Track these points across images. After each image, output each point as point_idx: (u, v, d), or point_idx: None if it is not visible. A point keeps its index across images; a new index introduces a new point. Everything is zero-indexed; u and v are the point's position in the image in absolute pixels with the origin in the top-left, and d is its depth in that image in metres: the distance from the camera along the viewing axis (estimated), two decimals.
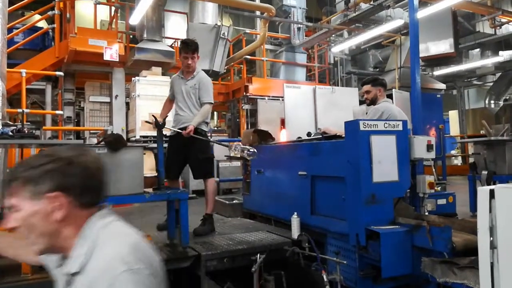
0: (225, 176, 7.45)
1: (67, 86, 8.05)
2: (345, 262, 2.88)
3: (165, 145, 3.90)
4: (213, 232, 3.88)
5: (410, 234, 2.74)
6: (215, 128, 12.74)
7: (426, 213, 3.37)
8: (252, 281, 2.90)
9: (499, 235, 1.47)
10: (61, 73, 6.93)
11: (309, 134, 4.43)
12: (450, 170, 9.87)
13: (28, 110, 6.07)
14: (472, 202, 5.11)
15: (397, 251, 2.70)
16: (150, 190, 3.39)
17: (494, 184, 4.69)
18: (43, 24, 8.53)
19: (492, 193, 1.52)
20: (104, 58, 7.16)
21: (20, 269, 2.61)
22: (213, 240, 3.55)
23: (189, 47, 3.86)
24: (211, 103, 4.00)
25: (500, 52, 11.08)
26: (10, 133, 2.90)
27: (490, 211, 1.51)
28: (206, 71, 8.09)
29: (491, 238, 1.49)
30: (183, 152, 3.86)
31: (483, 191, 1.56)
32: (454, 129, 14.51)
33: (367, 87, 4.13)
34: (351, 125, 2.99)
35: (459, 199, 4.36)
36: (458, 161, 14.56)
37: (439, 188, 3.93)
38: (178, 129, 3.81)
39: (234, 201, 5.25)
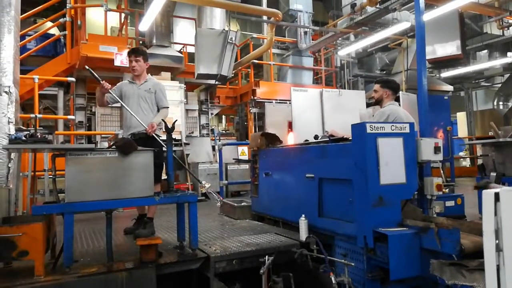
0: (234, 179, 7.51)
1: (79, 92, 8.19)
2: (353, 264, 2.89)
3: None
4: (153, 234, 3.90)
5: (418, 236, 2.75)
6: (224, 131, 12.82)
7: (434, 215, 3.37)
8: (260, 282, 2.93)
9: (504, 237, 1.48)
10: (73, 79, 7.04)
11: (316, 137, 4.46)
12: (458, 172, 9.80)
13: (40, 115, 6.19)
14: (480, 203, 5.07)
15: (405, 253, 2.70)
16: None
17: (503, 186, 4.67)
18: (54, 31, 8.69)
19: (497, 196, 1.52)
20: (115, 64, 7.28)
21: (33, 271, 2.67)
22: (222, 242, 3.59)
23: (133, 51, 4.18)
24: (168, 107, 4.21)
25: (508, 53, 11.00)
26: (23, 138, 2.98)
27: (495, 214, 1.51)
28: (214, 76, 8.23)
29: (497, 241, 1.50)
30: None
31: (488, 194, 1.56)
32: (462, 130, 14.40)
33: (376, 86, 4.14)
34: (358, 128, 3.01)
35: (468, 201, 4.35)
36: (466, 163, 14.44)
37: (447, 190, 3.92)
38: (131, 133, 3.91)
39: (242, 204, 5.28)
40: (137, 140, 3.78)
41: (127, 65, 7.55)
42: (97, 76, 3.89)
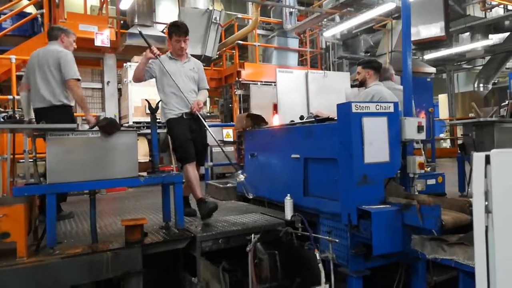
0: (219, 161, 7.47)
1: None
2: (337, 240, 2.94)
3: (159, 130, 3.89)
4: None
5: (400, 213, 2.80)
6: (208, 114, 12.73)
7: (416, 193, 3.44)
8: (246, 260, 2.96)
9: (494, 199, 1.49)
10: None
11: (301, 117, 4.47)
12: (438, 153, 10.01)
13: (18, 97, 6.00)
14: (461, 182, 5.22)
15: (388, 229, 2.75)
16: (144, 174, 3.42)
17: None
18: (31, 9, 8.37)
19: (487, 159, 1.52)
20: (95, 44, 7.09)
21: (15, 253, 2.62)
22: (208, 222, 3.60)
23: (181, 29, 3.86)
24: (209, 89, 4.13)
25: (490, 36, 11.15)
26: (1, 120, 2.90)
27: (486, 176, 1.52)
28: (198, 57, 8.09)
29: (486, 203, 1.50)
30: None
31: (478, 156, 1.55)
32: (443, 112, 14.66)
33: (358, 68, 4.26)
34: (344, 108, 3.01)
35: (448, 179, 4.45)
36: (446, 144, 14.76)
37: (428, 169, 4.01)
38: (185, 112, 3.79)
39: (228, 185, 5.29)
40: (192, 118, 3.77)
41: (108, 45, 7.41)
42: (147, 40, 3.72)
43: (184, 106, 3.80)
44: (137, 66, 3.87)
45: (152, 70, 3.83)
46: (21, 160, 5.74)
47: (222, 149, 3.97)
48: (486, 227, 1.50)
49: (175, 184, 3.31)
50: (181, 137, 3.71)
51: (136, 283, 2.84)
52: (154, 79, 3.91)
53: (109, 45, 7.37)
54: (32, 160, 3.17)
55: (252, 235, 2.98)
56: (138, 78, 3.87)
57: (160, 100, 3.77)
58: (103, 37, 7.17)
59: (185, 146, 3.70)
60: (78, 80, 4.10)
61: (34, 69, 3.98)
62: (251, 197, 3.68)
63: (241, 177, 3.55)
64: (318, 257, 2.86)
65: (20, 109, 6.32)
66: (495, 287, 1.43)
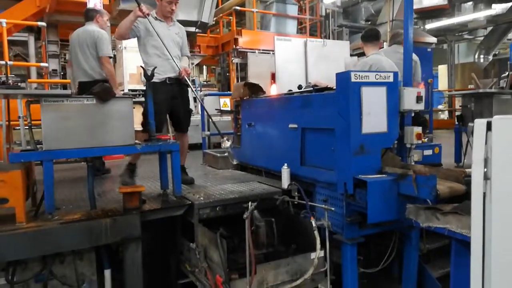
0: (216, 130, 7.45)
1: (51, 38, 7.76)
2: (333, 209, 2.98)
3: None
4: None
5: (396, 183, 2.81)
6: (205, 82, 12.58)
7: (413, 163, 3.46)
8: (243, 227, 3.00)
9: (493, 166, 1.50)
10: (44, 24, 6.62)
11: (300, 87, 4.41)
12: (436, 124, 10.02)
13: (11, 62, 5.88)
14: (457, 153, 5.25)
15: (383, 198, 2.77)
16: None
17: None
18: None
19: (489, 125, 1.53)
20: (88, 7, 6.85)
21: (14, 218, 2.64)
22: (205, 190, 3.63)
23: None
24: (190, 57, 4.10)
25: (493, 5, 10.89)
26: None
27: (486, 142, 1.53)
28: (194, 23, 7.90)
29: (485, 169, 1.52)
30: (170, 103, 3.80)
31: (480, 123, 1.55)
32: (442, 83, 14.55)
33: (360, 44, 4.27)
34: (342, 77, 2.97)
35: (444, 150, 4.47)
36: (444, 116, 14.76)
37: (425, 140, 4.02)
38: (169, 77, 3.74)
39: (225, 154, 5.29)
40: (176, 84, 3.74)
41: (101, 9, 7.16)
42: None
43: (169, 70, 3.73)
44: (122, 23, 3.71)
45: (137, 29, 3.71)
46: (17, 127, 5.70)
47: (210, 117, 3.99)
48: (484, 194, 1.51)
49: (172, 152, 3.30)
50: (160, 106, 3.59)
51: (135, 248, 2.90)
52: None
53: (99, 8, 7.13)
54: (27, 127, 3.14)
55: (249, 203, 3.01)
56: (121, 35, 3.75)
57: (150, 68, 3.64)
58: (96, 1, 6.92)
59: (158, 116, 3.52)
60: (110, 57, 4.55)
61: (76, 48, 4.46)
62: (235, 163, 3.74)
63: (227, 143, 3.59)
64: (313, 225, 2.91)
65: (13, 76, 6.22)
66: (490, 251, 1.47)
